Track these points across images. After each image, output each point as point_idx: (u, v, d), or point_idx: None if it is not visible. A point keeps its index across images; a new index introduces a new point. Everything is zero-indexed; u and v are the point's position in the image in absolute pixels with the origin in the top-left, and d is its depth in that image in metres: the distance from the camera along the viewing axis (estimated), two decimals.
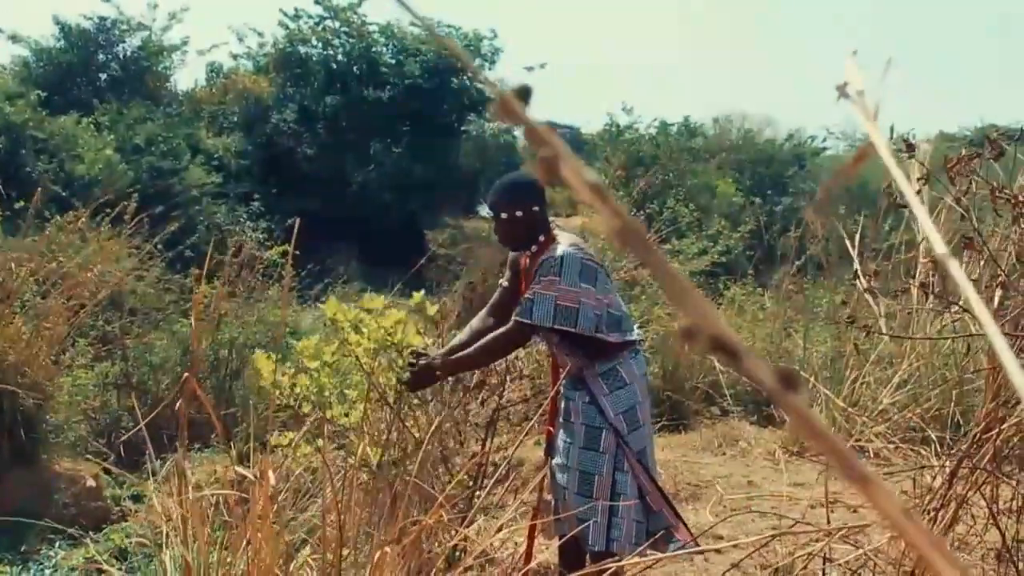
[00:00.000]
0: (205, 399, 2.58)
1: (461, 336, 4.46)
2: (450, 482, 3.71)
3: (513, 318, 4.04)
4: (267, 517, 2.17)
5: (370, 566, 2.03)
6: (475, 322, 4.51)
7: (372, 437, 3.36)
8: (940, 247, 0.69)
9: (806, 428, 0.57)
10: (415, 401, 4.06)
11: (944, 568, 0.56)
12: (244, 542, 2.94)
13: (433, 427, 3.29)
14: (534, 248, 4.14)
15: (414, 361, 3.92)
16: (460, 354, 4.16)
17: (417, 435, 3.54)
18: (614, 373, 4.06)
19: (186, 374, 3.45)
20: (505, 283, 4.43)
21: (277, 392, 3.37)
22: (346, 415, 3.38)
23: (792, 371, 0.56)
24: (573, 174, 0.60)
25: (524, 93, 0.62)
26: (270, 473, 2.19)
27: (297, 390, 3.39)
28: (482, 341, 4.20)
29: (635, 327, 4.28)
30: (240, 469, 2.55)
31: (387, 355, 3.65)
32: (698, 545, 4.26)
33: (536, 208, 4.11)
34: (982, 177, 2.84)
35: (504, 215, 4.11)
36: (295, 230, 2.22)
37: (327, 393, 3.37)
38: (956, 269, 0.68)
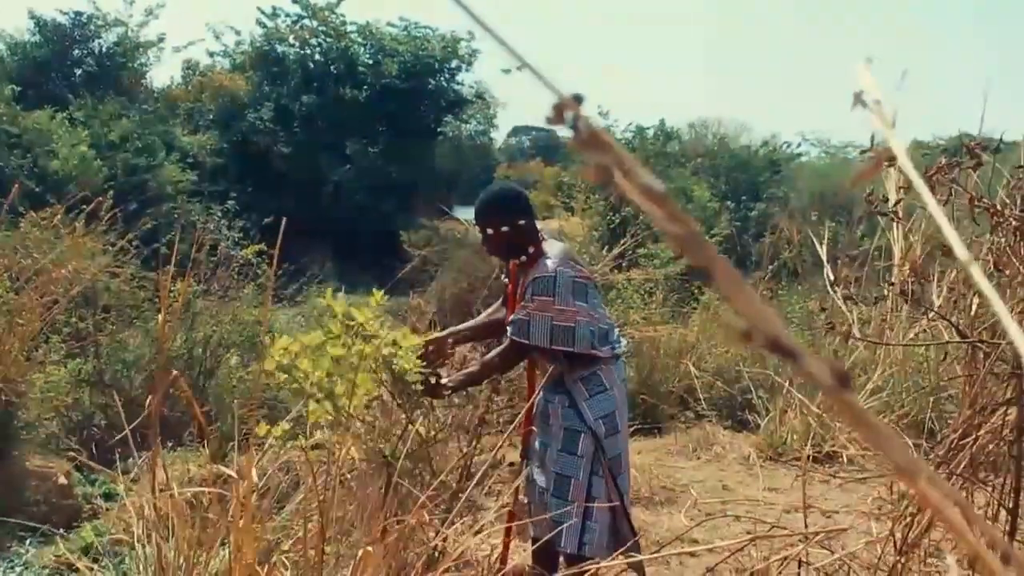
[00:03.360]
0: (187, 392, 2.57)
1: (470, 323, 4.53)
2: (433, 482, 3.70)
3: (510, 337, 4.04)
4: (249, 514, 2.16)
5: (353, 563, 2.03)
6: (491, 308, 4.61)
7: (372, 432, 3.35)
8: (962, 252, 0.70)
9: (858, 423, 0.58)
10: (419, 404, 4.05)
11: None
12: (219, 540, 2.93)
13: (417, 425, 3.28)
14: (523, 258, 4.13)
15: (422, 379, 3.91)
16: (465, 371, 4.19)
17: (423, 434, 3.55)
18: (595, 378, 4.07)
19: (161, 371, 3.43)
20: (505, 279, 4.45)
21: (283, 378, 3.34)
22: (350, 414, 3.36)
23: (845, 370, 0.58)
24: (631, 181, 0.61)
25: (579, 99, 0.63)
26: (252, 471, 2.18)
27: (314, 376, 3.35)
28: (486, 358, 4.24)
29: (620, 338, 4.28)
30: (221, 467, 2.54)
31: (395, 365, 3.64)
32: (642, 567, 4.30)
33: (523, 221, 4.11)
34: (961, 186, 2.86)
35: (491, 230, 4.11)
36: (280, 229, 2.21)
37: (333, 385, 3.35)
38: (979, 275, 0.69)
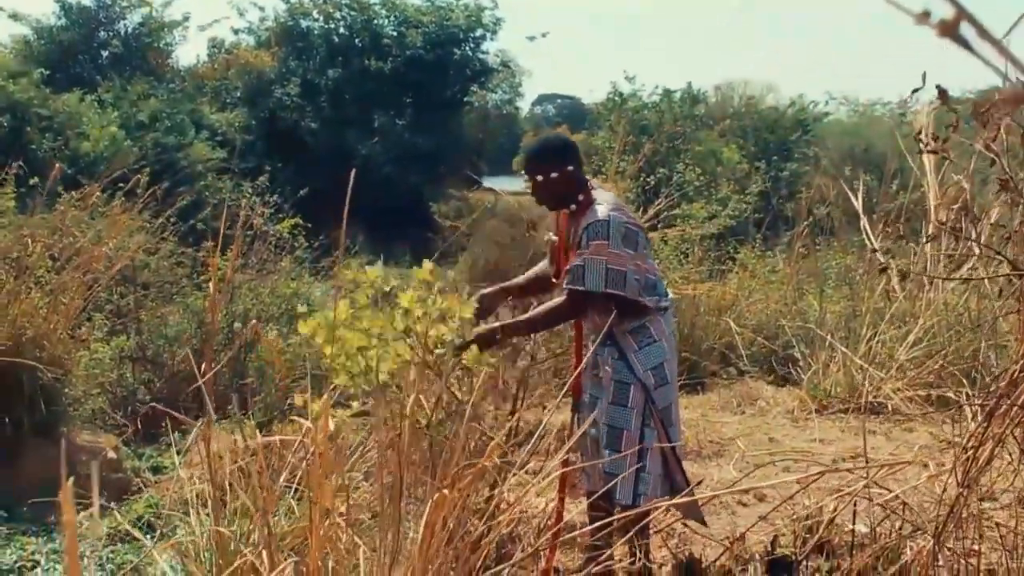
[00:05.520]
0: (271, 344, 2.59)
1: (519, 279, 4.50)
2: (482, 440, 3.71)
3: (565, 287, 4.03)
4: (326, 460, 2.18)
5: (428, 504, 2.04)
6: (539, 266, 4.58)
7: (418, 396, 3.35)
8: None
9: None
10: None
11: None
12: (272, 507, 2.95)
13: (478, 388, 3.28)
14: (573, 207, 4.13)
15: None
16: (519, 319, 4.16)
17: (459, 396, 3.55)
18: (644, 330, 4.07)
19: (209, 342, 3.47)
20: (554, 237, 4.44)
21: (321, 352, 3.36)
22: (390, 383, 3.37)
23: None
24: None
25: None
26: (330, 420, 2.20)
27: (343, 353, 3.37)
28: (540, 309, 4.21)
29: (667, 291, 4.28)
30: (300, 420, 2.55)
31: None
32: (700, 514, 4.32)
33: (571, 168, 4.10)
34: (1015, 121, 2.84)
35: (540, 177, 4.10)
36: (349, 181, 2.21)
37: (368, 354, 3.36)
38: None
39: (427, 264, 3.52)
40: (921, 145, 3.03)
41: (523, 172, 4.26)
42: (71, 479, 0.91)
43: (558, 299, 4.14)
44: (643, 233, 4.14)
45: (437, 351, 3.58)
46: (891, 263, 3.87)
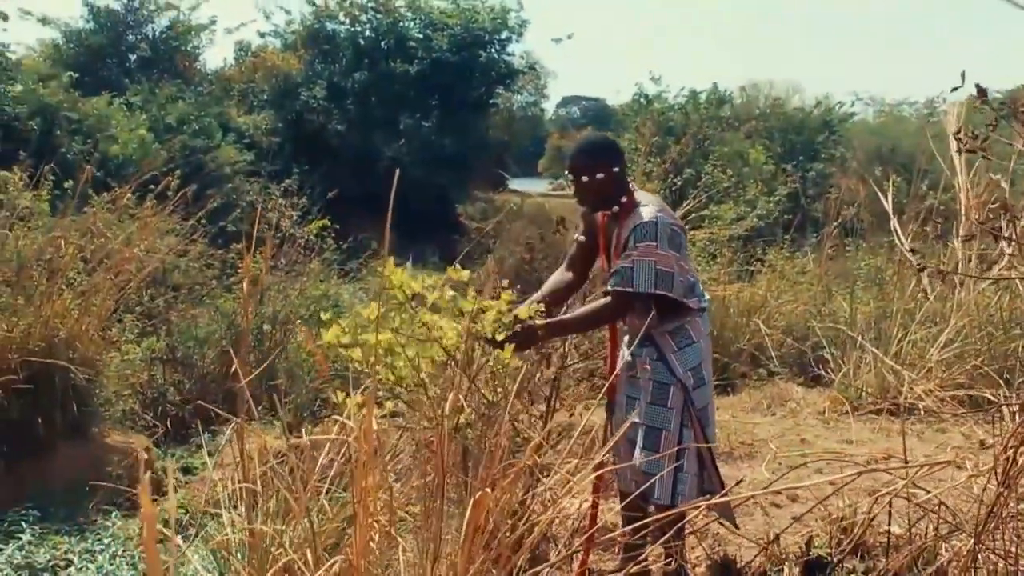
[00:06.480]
0: (310, 337, 2.59)
1: (541, 291, 4.44)
2: (516, 440, 3.72)
3: (612, 288, 4.00)
4: (370, 459, 2.18)
5: (469, 504, 2.04)
6: (554, 276, 4.50)
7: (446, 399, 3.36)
8: None
9: None
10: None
11: None
12: (304, 507, 2.96)
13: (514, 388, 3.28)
14: (615, 209, 4.11)
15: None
16: (562, 318, 4.14)
17: (490, 398, 3.54)
18: (683, 331, 4.07)
19: (241, 343, 3.47)
20: (581, 237, 4.41)
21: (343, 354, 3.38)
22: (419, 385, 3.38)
23: None
24: None
25: None
26: (373, 421, 2.20)
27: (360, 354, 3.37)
28: (584, 309, 4.21)
29: (704, 292, 4.27)
30: (343, 419, 2.56)
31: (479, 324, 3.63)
32: (732, 515, 4.31)
33: (616, 169, 4.09)
34: None
35: (585, 178, 4.09)
36: (392, 193, 2.21)
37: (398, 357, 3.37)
38: None
39: (461, 272, 3.52)
40: (959, 144, 3.01)
41: (567, 172, 4.23)
42: (148, 475, 0.91)
43: (602, 300, 4.12)
44: (685, 235, 4.12)
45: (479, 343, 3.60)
46: (927, 263, 3.83)
